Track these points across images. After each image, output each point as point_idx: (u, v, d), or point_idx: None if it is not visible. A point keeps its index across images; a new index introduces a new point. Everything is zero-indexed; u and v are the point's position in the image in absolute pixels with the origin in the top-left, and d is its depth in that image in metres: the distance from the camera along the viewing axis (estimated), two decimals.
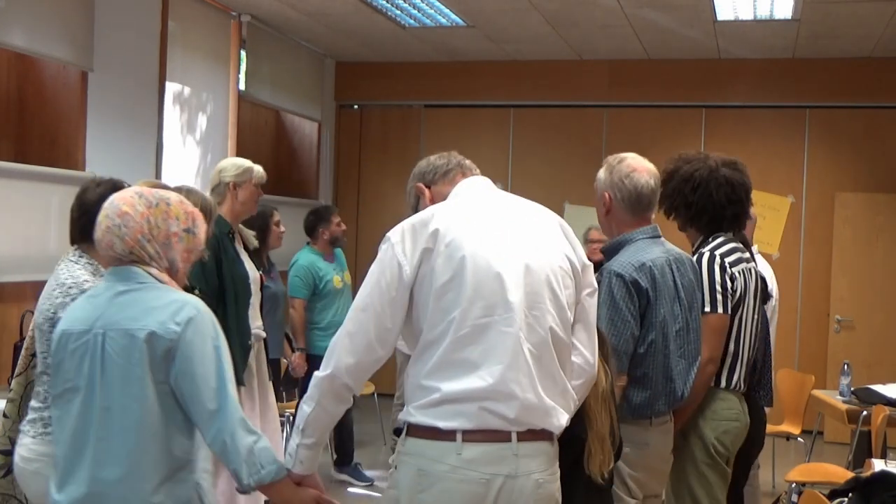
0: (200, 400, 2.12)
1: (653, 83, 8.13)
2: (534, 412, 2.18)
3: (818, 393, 5.78)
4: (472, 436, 2.14)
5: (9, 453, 2.76)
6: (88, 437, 2.13)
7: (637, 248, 2.93)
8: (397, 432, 2.28)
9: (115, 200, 2.21)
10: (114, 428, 2.12)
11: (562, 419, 2.24)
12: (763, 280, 3.42)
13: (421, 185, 2.50)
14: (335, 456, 6.01)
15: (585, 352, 2.36)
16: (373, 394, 6.65)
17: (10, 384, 2.94)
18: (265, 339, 4.25)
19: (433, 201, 2.44)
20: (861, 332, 7.60)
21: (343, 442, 5.95)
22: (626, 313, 2.83)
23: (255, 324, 4.08)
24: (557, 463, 2.28)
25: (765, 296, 3.46)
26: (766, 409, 3.58)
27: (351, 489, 5.83)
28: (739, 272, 3.18)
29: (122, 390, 2.12)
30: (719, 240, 3.25)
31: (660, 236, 3.03)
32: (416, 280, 2.20)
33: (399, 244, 2.22)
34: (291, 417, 5.26)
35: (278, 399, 5.56)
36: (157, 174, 5.93)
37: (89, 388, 2.14)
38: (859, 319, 7.62)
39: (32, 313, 2.80)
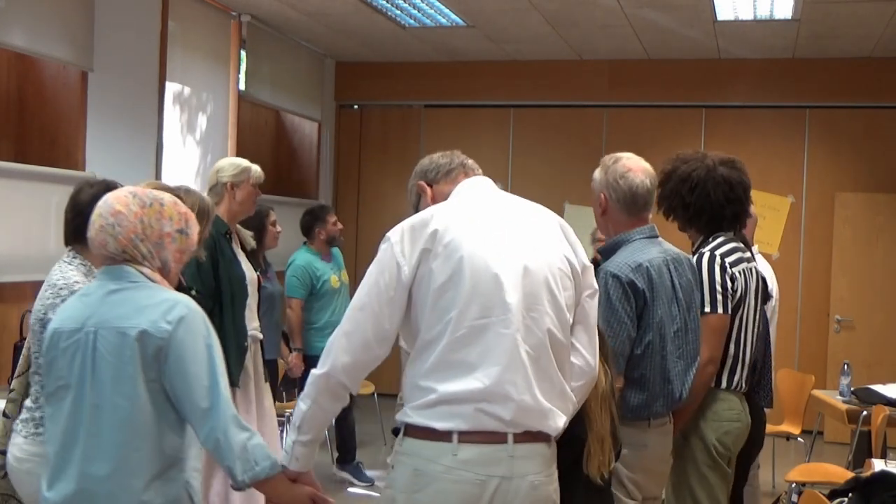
0: (193, 398, 2.13)
1: (653, 83, 8.13)
2: (530, 414, 2.18)
3: (818, 393, 5.78)
4: (467, 437, 2.14)
5: None
6: (79, 434, 2.15)
7: (634, 249, 2.92)
8: (395, 432, 2.28)
9: (109, 200, 2.23)
10: (104, 425, 2.13)
11: (559, 421, 2.24)
12: (763, 280, 3.41)
13: (423, 183, 2.50)
14: (337, 454, 6.01)
15: (586, 353, 2.35)
16: (373, 394, 6.66)
17: (10, 384, 2.94)
18: (261, 341, 4.23)
19: (434, 200, 2.44)
20: (861, 332, 7.60)
21: (345, 440, 5.95)
22: (623, 314, 2.82)
23: (252, 325, 4.05)
24: (555, 465, 2.28)
25: (765, 296, 3.45)
26: (766, 410, 3.57)
27: (351, 489, 5.83)
28: (740, 272, 3.16)
29: (112, 388, 2.13)
30: (719, 240, 3.23)
31: (657, 236, 3.02)
32: (415, 280, 2.20)
33: (398, 244, 2.22)
34: (291, 417, 5.25)
35: (278, 399, 5.57)
36: (157, 174, 5.93)
37: (80, 386, 2.16)
38: (859, 319, 7.62)
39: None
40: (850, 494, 3.34)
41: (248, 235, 4.27)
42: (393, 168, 8.60)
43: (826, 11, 6.41)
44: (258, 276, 4.23)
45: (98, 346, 2.14)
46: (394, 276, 2.20)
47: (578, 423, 2.39)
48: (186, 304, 2.18)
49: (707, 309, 3.07)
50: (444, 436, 2.15)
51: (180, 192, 3.02)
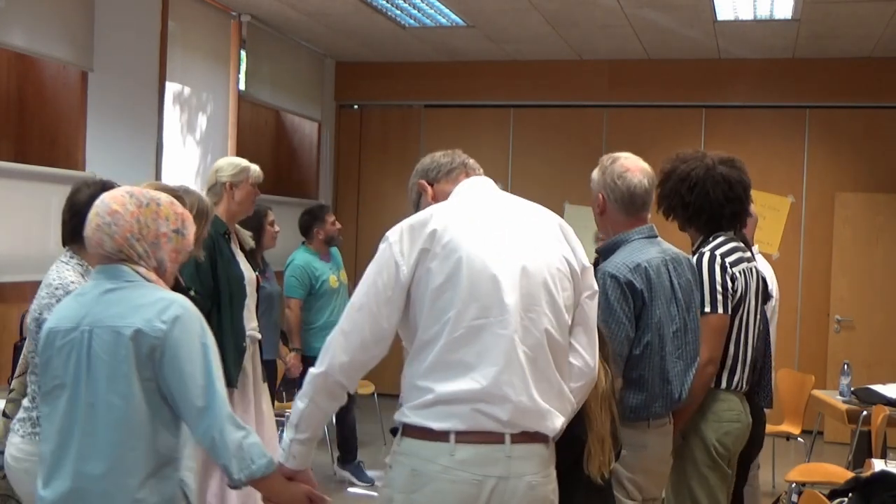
0: (188, 397, 2.13)
1: (653, 83, 8.13)
2: (528, 415, 2.18)
3: (818, 393, 5.78)
4: (465, 437, 2.14)
5: None
6: (74, 433, 2.15)
7: (632, 249, 2.91)
8: (394, 432, 2.29)
9: (105, 199, 2.23)
10: (98, 424, 2.13)
11: (557, 422, 2.23)
12: (764, 280, 3.41)
13: (423, 182, 2.49)
14: (338, 453, 6.00)
15: (585, 354, 2.34)
16: (373, 394, 6.66)
17: (10, 384, 2.95)
18: (260, 341, 4.21)
19: (435, 199, 2.43)
20: (861, 332, 7.60)
21: (346, 439, 5.94)
22: (621, 315, 2.81)
23: (251, 325, 4.04)
24: (553, 465, 2.28)
25: (765, 296, 3.44)
26: (766, 410, 3.56)
27: (351, 489, 5.83)
28: (740, 272, 3.15)
29: (107, 387, 2.13)
30: (719, 239, 3.22)
31: (656, 236, 3.01)
32: (413, 280, 2.20)
33: (397, 244, 2.22)
34: None
35: (278, 400, 5.57)
36: (157, 174, 5.93)
37: (75, 385, 2.16)
38: (859, 319, 7.62)
39: None
40: (850, 494, 3.34)
41: (247, 235, 4.26)
42: (393, 168, 8.60)
43: (826, 11, 6.41)
44: (257, 276, 4.22)
45: (93, 346, 2.15)
46: (392, 275, 2.20)
47: (578, 423, 2.38)
48: (182, 304, 2.18)
49: (707, 309, 3.06)
50: (441, 436, 2.15)
51: (179, 192, 3.02)
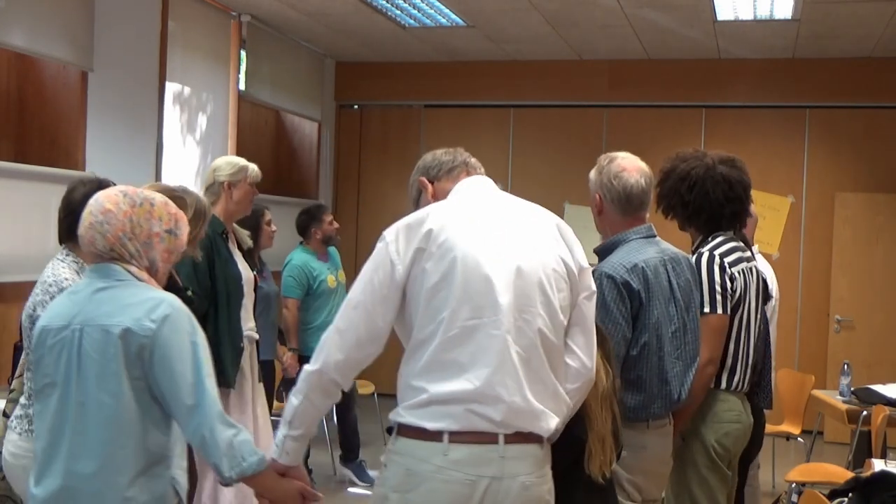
0: (178, 396, 2.14)
1: (653, 83, 8.13)
2: (521, 415, 2.17)
3: (818, 393, 5.78)
4: (458, 437, 2.14)
5: None
6: (64, 431, 2.16)
7: (630, 249, 2.90)
8: (389, 431, 2.29)
9: (99, 198, 2.24)
10: (89, 423, 2.14)
11: (551, 423, 2.23)
12: (763, 280, 3.40)
13: (424, 179, 2.49)
14: (340, 452, 5.99)
15: (582, 355, 2.33)
16: (373, 394, 6.66)
17: (10, 384, 2.95)
18: (257, 341, 4.19)
19: (435, 197, 2.43)
20: (861, 332, 7.60)
21: (347, 438, 5.93)
22: (618, 315, 2.80)
23: (248, 325, 4.03)
24: (548, 466, 2.28)
25: (765, 296, 3.44)
26: (766, 410, 3.56)
27: (351, 489, 5.83)
28: (739, 272, 3.14)
29: (97, 386, 2.14)
30: (719, 239, 3.21)
31: (654, 236, 2.99)
32: (409, 279, 2.20)
33: (393, 243, 2.22)
34: None
35: (278, 399, 5.56)
36: (157, 174, 5.94)
37: (66, 384, 2.17)
38: (859, 319, 7.62)
39: None
40: (850, 494, 3.34)
41: (245, 235, 4.25)
42: (393, 168, 8.60)
43: (826, 11, 6.40)
44: (254, 275, 4.21)
45: (83, 344, 2.15)
46: (388, 274, 2.20)
47: (578, 423, 2.38)
48: (171, 303, 2.18)
49: (706, 309, 3.04)
50: (435, 436, 2.15)
51: (178, 193, 3.02)
